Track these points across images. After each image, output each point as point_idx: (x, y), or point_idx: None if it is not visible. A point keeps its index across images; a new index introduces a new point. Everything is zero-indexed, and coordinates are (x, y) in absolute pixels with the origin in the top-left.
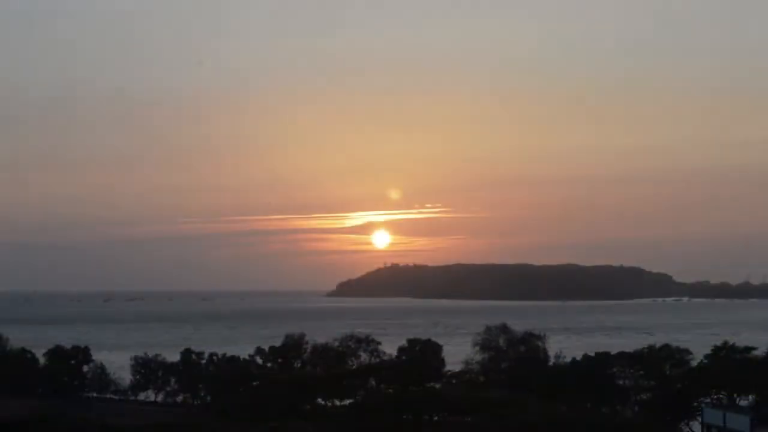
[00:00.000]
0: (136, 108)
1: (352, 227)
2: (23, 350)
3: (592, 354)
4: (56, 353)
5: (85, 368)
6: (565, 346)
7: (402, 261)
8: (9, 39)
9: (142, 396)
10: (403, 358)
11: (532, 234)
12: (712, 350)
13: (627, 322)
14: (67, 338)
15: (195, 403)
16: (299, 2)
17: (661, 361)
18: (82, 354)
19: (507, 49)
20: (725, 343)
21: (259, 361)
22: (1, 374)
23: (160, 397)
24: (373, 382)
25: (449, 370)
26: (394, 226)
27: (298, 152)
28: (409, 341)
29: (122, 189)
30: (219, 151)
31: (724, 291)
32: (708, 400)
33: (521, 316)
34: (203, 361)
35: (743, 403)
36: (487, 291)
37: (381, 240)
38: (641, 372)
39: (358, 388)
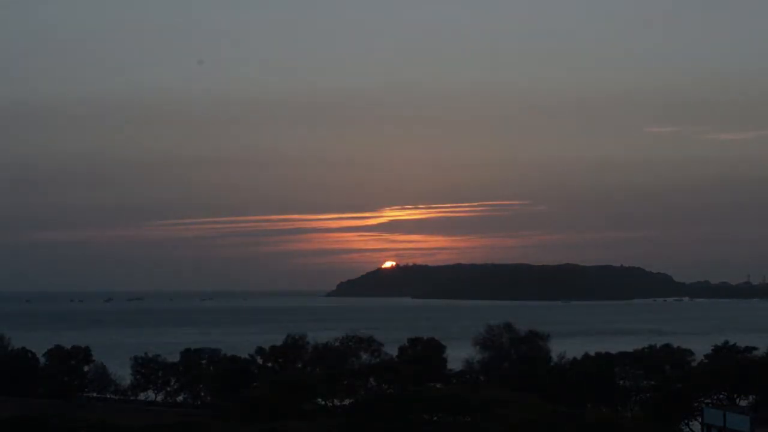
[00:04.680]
0: (138, 108)
1: (375, 225)
2: (23, 350)
3: (593, 354)
4: (56, 353)
5: (85, 368)
6: (565, 346)
7: (422, 260)
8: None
9: (142, 396)
10: (404, 357)
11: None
12: (712, 350)
13: (627, 323)
14: (67, 338)
15: (195, 403)
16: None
17: (661, 361)
18: (82, 354)
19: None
20: (725, 343)
21: (260, 361)
22: (1, 374)
23: (160, 397)
24: (373, 382)
25: (451, 369)
26: (418, 225)
27: (317, 153)
28: (410, 341)
29: (123, 188)
30: (233, 150)
31: (724, 291)
32: (708, 400)
33: (521, 316)
34: (204, 361)
35: (743, 403)
36: (487, 291)
37: (400, 239)
38: (641, 372)
39: (358, 388)
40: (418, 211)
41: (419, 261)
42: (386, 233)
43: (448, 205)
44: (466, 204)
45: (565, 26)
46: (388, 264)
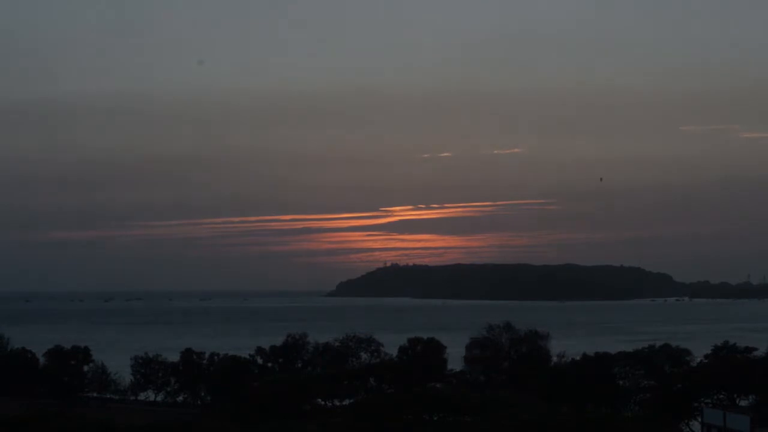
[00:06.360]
0: (138, 107)
1: (385, 224)
2: (23, 350)
3: (592, 354)
4: (56, 353)
5: (85, 368)
6: (564, 347)
7: (429, 260)
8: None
9: (142, 396)
10: (404, 357)
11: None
12: (712, 350)
13: (627, 323)
14: (67, 338)
15: (195, 403)
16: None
17: (661, 361)
18: (82, 354)
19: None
20: (725, 343)
21: (260, 361)
22: (1, 374)
23: (160, 397)
24: (373, 382)
25: (452, 369)
26: (428, 225)
27: (325, 153)
28: (410, 341)
29: (124, 188)
30: (234, 150)
31: (724, 291)
32: (708, 400)
33: (521, 316)
34: (204, 361)
35: (743, 403)
36: (487, 291)
37: (408, 238)
38: (641, 372)
39: (358, 388)
40: (430, 211)
41: (426, 261)
42: (396, 233)
43: (461, 205)
44: (478, 203)
45: (587, 25)
46: (387, 264)
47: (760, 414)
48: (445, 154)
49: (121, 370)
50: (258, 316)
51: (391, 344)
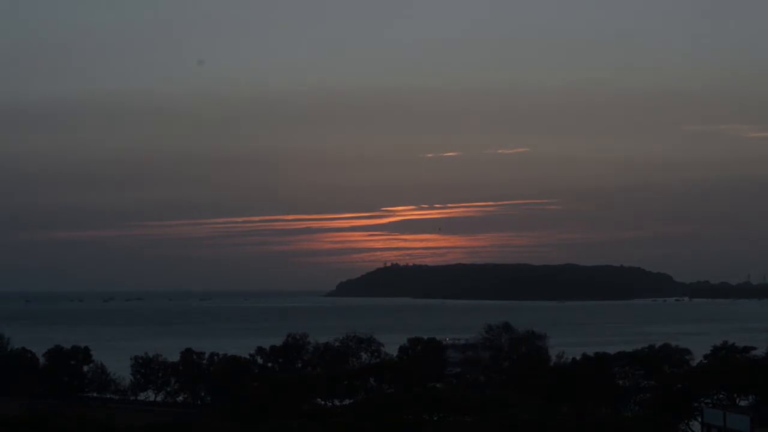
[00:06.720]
0: (139, 108)
1: (386, 224)
2: (23, 350)
3: (592, 354)
4: (56, 353)
5: (85, 368)
6: (564, 346)
7: (431, 260)
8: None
9: (142, 396)
10: (404, 357)
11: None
12: (712, 350)
13: (627, 323)
14: (67, 338)
15: (195, 403)
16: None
17: (661, 361)
18: (82, 354)
19: None
20: (725, 343)
21: (260, 361)
22: (1, 374)
23: (160, 397)
24: (373, 382)
25: (451, 369)
26: (431, 225)
27: (329, 153)
28: (410, 341)
29: (124, 188)
30: (233, 151)
31: (724, 291)
32: (708, 400)
33: (521, 316)
34: (204, 361)
35: (743, 403)
36: (487, 291)
37: (409, 238)
38: (641, 372)
39: (358, 388)
40: (433, 211)
41: (427, 261)
42: (398, 233)
43: (462, 204)
44: (480, 203)
45: (588, 24)
46: (387, 264)
47: (760, 414)
48: (448, 154)
49: (121, 370)
50: (258, 316)
51: (391, 344)
